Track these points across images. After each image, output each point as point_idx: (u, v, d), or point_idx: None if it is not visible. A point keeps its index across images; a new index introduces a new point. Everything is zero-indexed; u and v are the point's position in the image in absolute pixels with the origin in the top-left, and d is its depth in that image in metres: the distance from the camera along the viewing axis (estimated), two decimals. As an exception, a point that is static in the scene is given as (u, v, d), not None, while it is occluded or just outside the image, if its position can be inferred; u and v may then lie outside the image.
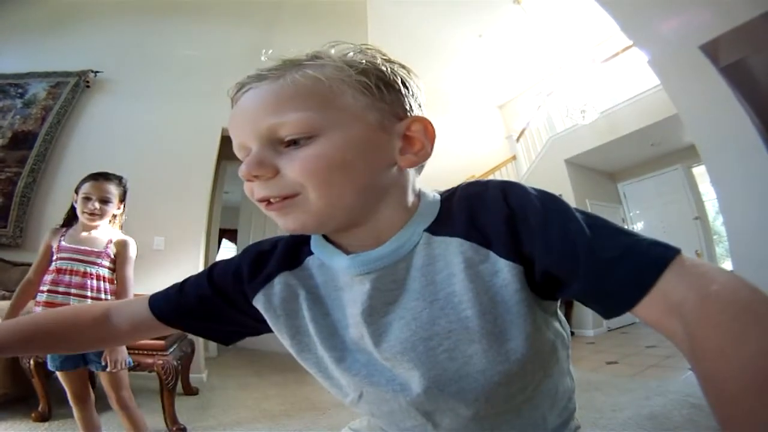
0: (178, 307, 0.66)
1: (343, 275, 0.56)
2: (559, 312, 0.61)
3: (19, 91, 4.26)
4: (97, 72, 4.35)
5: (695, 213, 6.66)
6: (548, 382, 0.59)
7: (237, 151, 0.53)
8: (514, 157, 8.04)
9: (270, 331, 0.64)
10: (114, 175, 1.92)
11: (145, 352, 2.54)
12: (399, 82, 0.53)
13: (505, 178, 5.22)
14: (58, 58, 4.43)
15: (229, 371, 4.26)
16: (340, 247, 0.57)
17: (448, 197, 0.57)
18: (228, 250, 9.13)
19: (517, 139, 8.11)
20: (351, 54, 0.53)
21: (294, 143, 0.49)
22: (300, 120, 0.48)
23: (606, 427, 2.35)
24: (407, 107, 0.54)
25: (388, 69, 0.53)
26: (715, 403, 0.33)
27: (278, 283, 0.60)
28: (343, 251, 0.56)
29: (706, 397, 0.34)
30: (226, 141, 4.41)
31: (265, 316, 0.61)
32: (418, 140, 0.53)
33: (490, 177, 7.26)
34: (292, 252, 0.62)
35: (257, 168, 0.49)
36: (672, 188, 6.95)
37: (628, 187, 7.68)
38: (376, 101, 0.51)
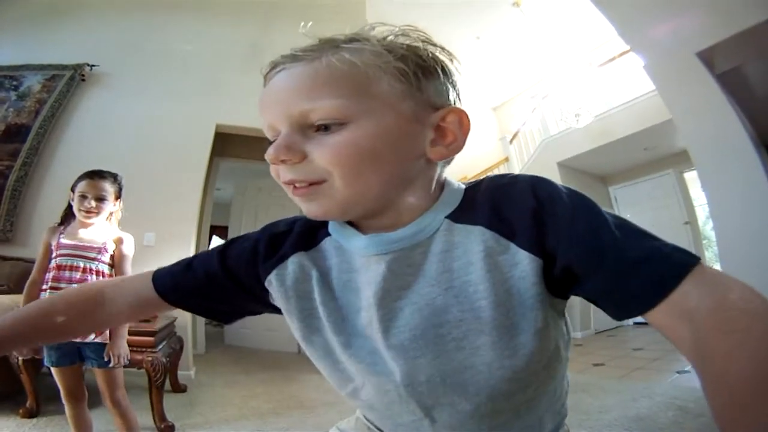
0: (184, 285, 0.64)
1: (359, 256, 0.56)
2: (566, 314, 0.60)
3: (14, 83, 4.22)
4: (93, 65, 4.32)
5: (685, 218, 6.71)
6: (550, 384, 0.59)
7: (266, 130, 0.53)
8: (506, 159, 8.06)
9: (272, 312, 0.64)
10: (109, 172, 1.93)
11: (135, 348, 2.52)
12: (439, 69, 0.52)
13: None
14: (54, 51, 4.40)
15: (217, 368, 4.25)
16: (359, 229, 0.57)
17: (473, 187, 0.56)
18: (219, 247, 9.06)
19: (511, 141, 8.14)
20: (391, 37, 0.52)
21: (324, 128, 0.48)
22: (332, 106, 0.47)
23: (592, 428, 2.37)
24: (444, 96, 0.53)
25: (429, 55, 0.52)
26: (721, 408, 0.33)
27: (292, 263, 0.59)
28: (361, 232, 0.56)
29: (711, 402, 0.34)
30: (219, 137, 4.40)
31: (276, 298, 0.60)
32: (450, 132, 0.52)
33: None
34: (308, 233, 0.61)
35: (285, 152, 0.48)
36: (663, 193, 6.99)
37: (619, 190, 7.73)
38: (412, 89, 0.50)
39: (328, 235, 0.60)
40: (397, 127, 0.49)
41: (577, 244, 0.47)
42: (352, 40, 0.50)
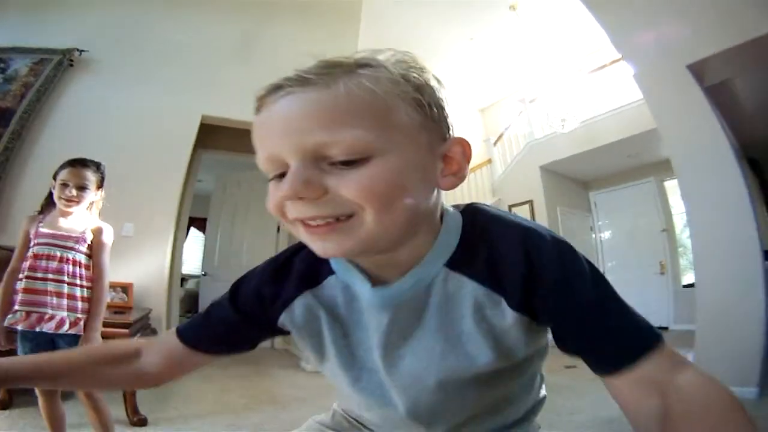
0: (208, 335, 0.66)
1: (363, 301, 0.57)
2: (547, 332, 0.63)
3: (1, 66, 4.09)
4: (83, 51, 4.22)
5: (663, 225, 6.83)
6: (527, 386, 0.68)
7: (265, 162, 0.48)
8: (489, 161, 8.11)
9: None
10: (92, 161, 1.90)
11: (109, 340, 2.49)
12: (444, 99, 0.52)
13: (480, 181, 5.21)
14: (44, 35, 4.27)
15: (193, 362, 4.21)
16: (358, 266, 0.56)
17: (470, 225, 0.56)
18: (196, 239, 8.98)
19: (495, 143, 8.18)
20: (400, 64, 0.50)
21: (344, 163, 0.44)
22: (356, 139, 0.43)
23: (564, 429, 2.40)
24: (449, 126, 0.52)
25: (436, 85, 0.51)
26: None
27: (298, 306, 0.60)
28: (360, 270, 0.56)
29: None
30: (204, 129, 4.34)
31: (293, 334, 0.62)
32: (456, 161, 0.52)
33: (466, 179, 7.31)
34: (311, 270, 0.60)
35: (305, 188, 0.44)
36: (643, 200, 7.11)
37: (599, 196, 7.83)
38: (427, 120, 0.49)
39: (332, 272, 0.59)
40: (419, 160, 0.48)
41: (559, 314, 0.51)
42: (365, 65, 0.47)
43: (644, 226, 7.06)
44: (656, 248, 6.86)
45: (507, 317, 0.52)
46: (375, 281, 0.55)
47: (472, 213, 0.58)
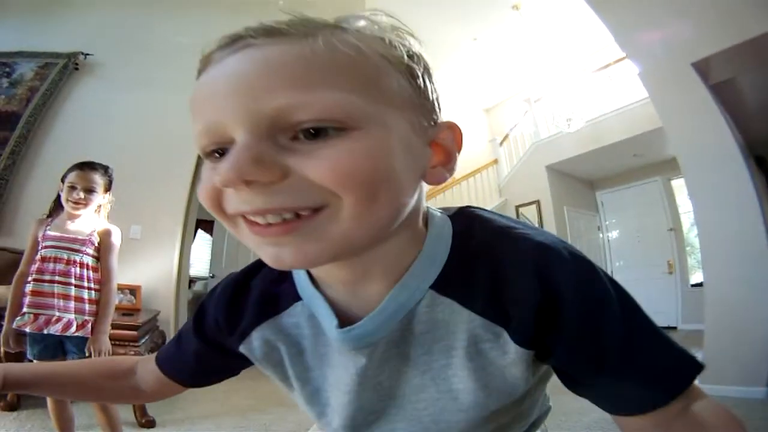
0: (183, 368, 0.61)
1: (333, 339, 0.47)
2: None
3: (6, 70, 4.14)
4: (87, 54, 4.25)
5: (670, 224, 6.79)
6: (524, 421, 0.57)
7: (200, 136, 0.36)
8: (496, 161, 8.09)
9: None
10: (100, 164, 1.92)
11: (117, 342, 2.49)
12: (433, 74, 0.42)
13: (486, 182, 5.17)
14: (49, 39, 4.32)
15: (200, 363, 4.21)
16: (315, 284, 0.47)
17: (464, 236, 0.45)
18: (204, 241, 9.02)
19: (501, 143, 8.16)
20: (393, 30, 0.40)
21: (312, 135, 0.33)
22: (334, 102, 0.33)
23: (571, 429, 2.39)
24: (439, 108, 0.42)
25: (429, 61, 0.41)
26: None
27: (256, 339, 0.51)
28: (321, 291, 0.47)
29: None
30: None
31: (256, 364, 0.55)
32: (445, 150, 0.42)
33: (471, 180, 7.29)
34: (270, 295, 0.51)
35: (254, 167, 0.32)
36: (650, 199, 7.07)
37: (606, 195, 7.79)
38: (419, 96, 0.39)
39: (298, 298, 0.49)
40: (409, 140, 0.37)
41: (579, 354, 0.42)
42: (350, 22, 0.38)
43: (651, 225, 7.02)
44: (664, 247, 6.82)
45: (509, 353, 0.42)
46: (343, 316, 0.45)
47: (466, 220, 0.47)
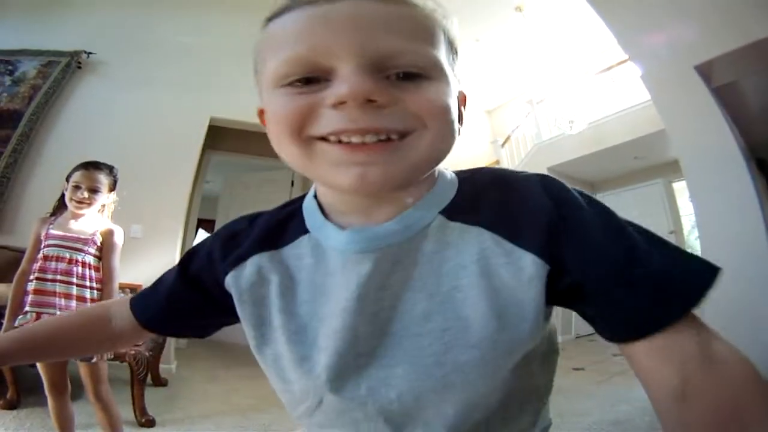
0: (153, 310, 0.61)
1: (336, 258, 0.48)
2: (552, 320, 0.52)
3: (9, 68, 4.14)
4: (90, 53, 4.26)
5: (671, 227, 6.78)
6: (532, 402, 0.53)
7: (290, 62, 0.40)
8: (497, 162, 8.08)
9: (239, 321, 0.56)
10: (105, 164, 1.93)
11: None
12: None
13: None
14: (52, 37, 4.32)
15: (199, 363, 4.23)
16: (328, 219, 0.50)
17: (468, 179, 0.50)
18: (205, 241, 9.03)
19: (503, 145, 8.16)
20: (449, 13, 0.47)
21: (405, 77, 0.40)
22: (429, 56, 0.41)
23: (570, 431, 2.39)
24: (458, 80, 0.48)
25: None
26: None
27: (250, 265, 0.52)
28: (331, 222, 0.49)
29: None
30: (212, 130, 4.36)
31: (234, 301, 0.53)
32: (461, 111, 0.49)
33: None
34: (274, 230, 0.53)
35: (378, 91, 0.38)
36: (651, 201, 7.05)
37: (607, 197, 7.77)
38: (454, 63, 0.46)
39: (306, 231, 0.51)
40: (457, 96, 0.46)
41: (582, 256, 0.42)
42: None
43: (652, 227, 6.57)
44: (664, 250, 6.80)
45: (523, 266, 0.43)
46: None
47: (468, 171, 0.53)
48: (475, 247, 0.45)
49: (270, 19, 0.45)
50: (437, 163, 0.45)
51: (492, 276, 0.43)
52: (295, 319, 0.49)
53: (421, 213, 0.46)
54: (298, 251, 0.51)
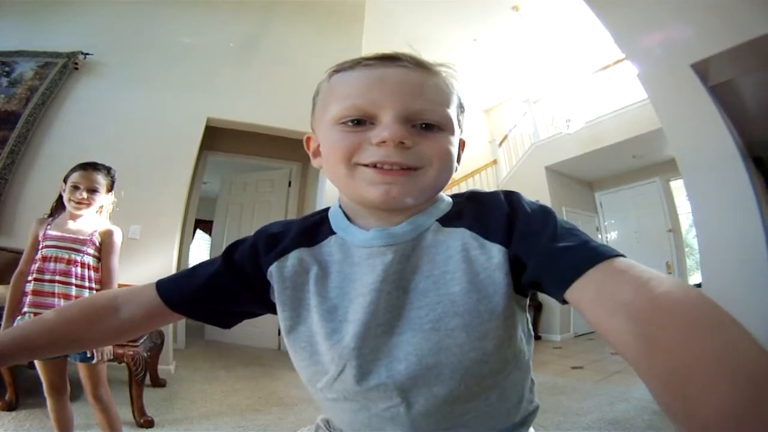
0: (187, 290, 0.67)
1: (362, 250, 0.62)
2: (527, 312, 0.66)
3: (6, 69, 4.13)
4: (87, 54, 4.25)
5: (669, 225, 6.80)
6: (517, 374, 0.63)
7: (349, 108, 0.57)
8: (495, 162, 8.10)
9: (268, 311, 0.68)
10: (103, 165, 1.93)
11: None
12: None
13: (485, 182, 5.24)
14: (49, 38, 4.31)
15: (197, 364, 4.21)
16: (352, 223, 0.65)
17: (458, 201, 0.67)
18: (202, 241, 9.01)
19: (500, 144, 8.17)
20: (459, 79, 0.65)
21: (425, 128, 0.57)
22: (443, 113, 0.59)
23: (569, 430, 2.39)
24: (461, 130, 0.65)
25: None
26: (676, 401, 0.33)
27: (292, 257, 0.64)
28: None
29: (663, 396, 0.34)
30: (209, 131, 4.36)
31: (275, 288, 0.64)
32: (459, 155, 0.65)
33: (470, 180, 7.32)
34: (309, 231, 0.67)
35: (408, 137, 0.56)
36: (648, 200, 7.08)
37: (605, 196, 7.81)
38: (461, 122, 0.64)
39: (332, 233, 0.66)
40: (458, 144, 0.63)
41: (526, 237, 0.56)
42: (448, 67, 0.63)
43: (650, 226, 7.03)
44: (662, 248, 6.82)
45: (492, 255, 0.57)
46: None
47: (460, 196, 0.68)
48: (459, 242, 0.60)
49: (336, 72, 0.62)
50: (439, 189, 0.62)
51: (471, 262, 0.58)
52: (327, 301, 0.61)
53: (424, 218, 0.62)
54: (328, 248, 0.65)
